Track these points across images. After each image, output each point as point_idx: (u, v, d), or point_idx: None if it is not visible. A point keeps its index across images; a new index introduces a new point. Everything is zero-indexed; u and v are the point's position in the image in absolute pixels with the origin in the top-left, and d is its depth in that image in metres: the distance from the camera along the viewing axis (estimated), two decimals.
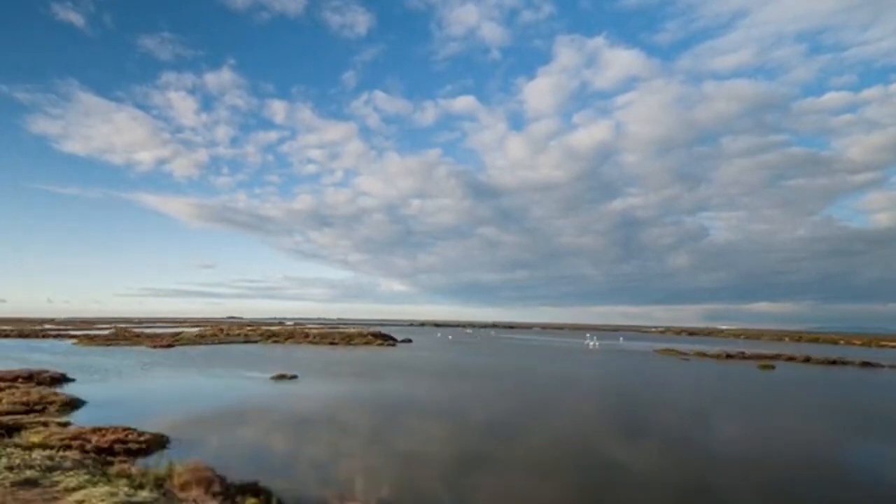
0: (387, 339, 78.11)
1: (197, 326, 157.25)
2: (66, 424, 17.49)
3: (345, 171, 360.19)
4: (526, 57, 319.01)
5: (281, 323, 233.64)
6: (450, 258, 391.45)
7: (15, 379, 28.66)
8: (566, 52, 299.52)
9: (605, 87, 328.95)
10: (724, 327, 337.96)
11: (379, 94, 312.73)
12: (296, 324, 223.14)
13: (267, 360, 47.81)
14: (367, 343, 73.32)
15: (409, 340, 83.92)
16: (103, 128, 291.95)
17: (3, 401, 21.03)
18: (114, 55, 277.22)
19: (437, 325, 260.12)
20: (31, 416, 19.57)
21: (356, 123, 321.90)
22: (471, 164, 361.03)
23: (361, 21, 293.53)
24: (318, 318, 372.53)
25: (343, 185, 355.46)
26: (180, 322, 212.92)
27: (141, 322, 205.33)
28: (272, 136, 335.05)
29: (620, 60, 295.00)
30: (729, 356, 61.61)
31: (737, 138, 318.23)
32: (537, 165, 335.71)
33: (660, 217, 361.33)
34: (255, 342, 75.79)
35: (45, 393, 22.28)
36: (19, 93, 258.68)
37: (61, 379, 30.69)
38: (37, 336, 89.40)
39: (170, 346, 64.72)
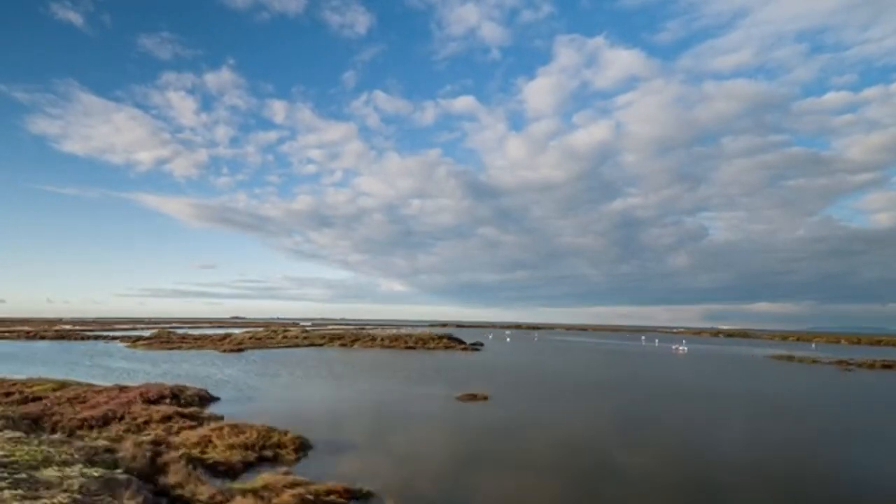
0: (459, 342, 72.17)
1: (220, 327, 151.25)
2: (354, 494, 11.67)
3: (344, 171, 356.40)
4: (526, 57, 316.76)
5: (295, 323, 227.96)
6: (449, 258, 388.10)
7: (159, 399, 22.83)
8: (566, 52, 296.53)
9: (605, 86, 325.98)
10: (725, 327, 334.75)
11: (379, 94, 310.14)
12: (314, 325, 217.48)
13: (391, 370, 41.94)
14: (446, 347, 67.37)
15: (481, 344, 78.07)
16: (103, 128, 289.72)
17: (218, 445, 15.15)
18: (113, 55, 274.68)
19: (447, 325, 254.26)
20: (277, 470, 13.80)
21: (356, 123, 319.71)
22: (471, 165, 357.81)
23: (361, 21, 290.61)
24: (324, 319, 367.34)
25: (343, 186, 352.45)
26: (194, 322, 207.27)
27: (158, 323, 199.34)
28: (272, 136, 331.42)
29: (620, 60, 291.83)
30: (849, 364, 55.99)
31: (737, 138, 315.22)
32: (537, 165, 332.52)
33: (660, 217, 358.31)
34: (320, 345, 69.93)
35: (264, 430, 16.35)
36: (18, 93, 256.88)
37: (207, 397, 24.83)
38: (74, 338, 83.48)
39: (239, 350, 58.80)
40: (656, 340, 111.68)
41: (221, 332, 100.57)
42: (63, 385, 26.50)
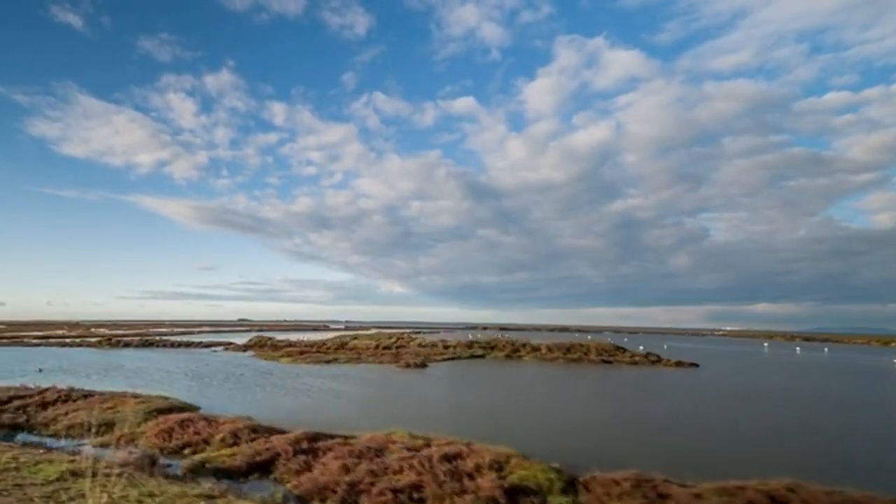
0: (646, 356, 59.89)
1: (261, 330, 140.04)
2: None
3: (344, 172, 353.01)
4: (526, 57, 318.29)
5: (328, 326, 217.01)
6: (449, 260, 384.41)
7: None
8: (566, 53, 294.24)
9: (605, 87, 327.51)
10: (727, 328, 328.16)
11: (378, 96, 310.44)
12: (346, 327, 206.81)
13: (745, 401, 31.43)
14: (634, 363, 56.33)
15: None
16: (102, 130, 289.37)
17: None
18: (113, 57, 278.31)
19: (487, 327, 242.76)
20: None
21: (356, 125, 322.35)
22: (470, 166, 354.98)
23: (361, 22, 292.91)
24: (330, 321, 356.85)
25: (343, 187, 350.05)
26: (216, 326, 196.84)
27: (188, 326, 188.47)
28: (272, 137, 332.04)
29: (620, 61, 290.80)
30: None
31: (737, 138, 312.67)
32: (537, 166, 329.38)
33: (660, 218, 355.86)
34: (481, 356, 59.26)
35: None
36: (18, 95, 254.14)
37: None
38: (160, 345, 72.64)
39: (422, 366, 48.13)
40: (764, 345, 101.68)
41: (303, 336, 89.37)
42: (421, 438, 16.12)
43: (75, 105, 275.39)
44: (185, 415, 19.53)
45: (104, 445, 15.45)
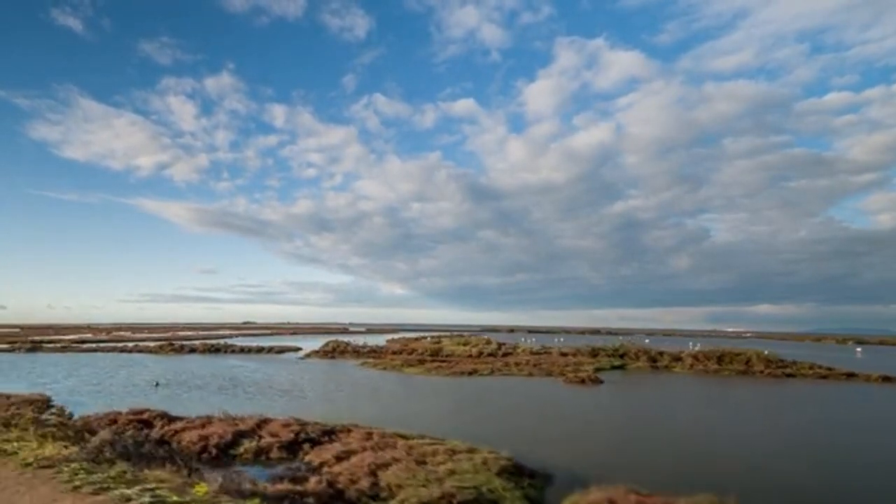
0: (853, 372, 49.68)
1: (278, 334, 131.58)
2: None
3: (344, 174, 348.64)
4: (526, 59, 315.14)
5: (347, 329, 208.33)
6: (450, 261, 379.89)
7: None
8: (566, 54, 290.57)
9: (605, 88, 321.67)
10: (729, 329, 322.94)
11: (379, 98, 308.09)
12: (369, 330, 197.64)
13: None
14: (822, 376, 46.94)
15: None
16: (103, 133, 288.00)
17: None
18: (113, 60, 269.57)
19: (513, 330, 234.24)
20: None
21: (356, 127, 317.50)
22: (471, 167, 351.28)
23: (361, 24, 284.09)
24: (333, 323, 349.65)
25: (343, 189, 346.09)
26: (242, 329, 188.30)
27: (210, 329, 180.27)
28: (272, 140, 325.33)
29: (621, 62, 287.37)
30: None
31: (738, 139, 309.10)
32: (537, 168, 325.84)
33: (660, 219, 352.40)
34: (620, 366, 50.62)
35: None
36: (19, 99, 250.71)
37: None
38: (223, 352, 64.11)
39: (596, 381, 39.61)
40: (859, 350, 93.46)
41: (359, 340, 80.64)
42: None
43: (76, 108, 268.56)
44: (610, 492, 10.96)
45: None
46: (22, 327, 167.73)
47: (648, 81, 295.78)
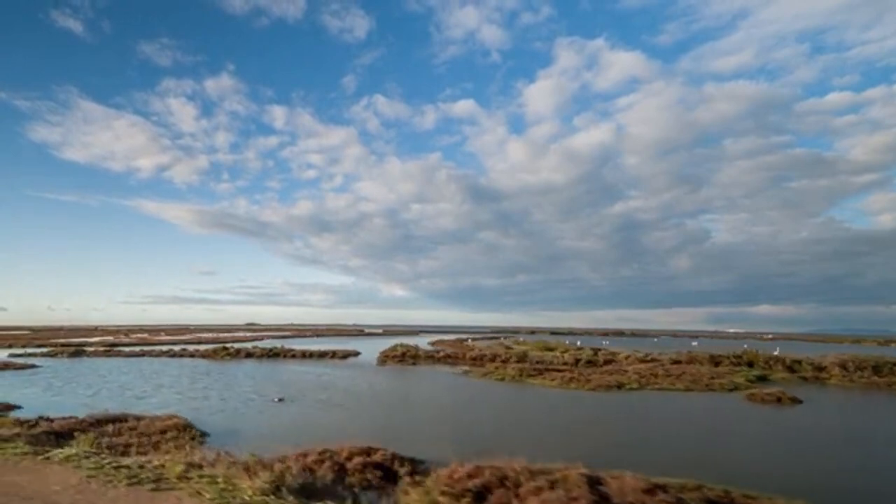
0: None
1: (310, 336, 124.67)
2: None
3: (345, 175, 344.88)
4: (526, 60, 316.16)
5: (363, 331, 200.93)
6: (450, 263, 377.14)
7: None
8: (566, 55, 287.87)
9: (605, 89, 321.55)
10: (731, 330, 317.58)
11: (379, 99, 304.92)
12: (384, 331, 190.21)
13: None
14: None
15: None
16: (103, 135, 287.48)
17: None
18: (113, 62, 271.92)
19: (535, 332, 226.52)
20: None
21: (356, 128, 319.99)
22: (471, 168, 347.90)
23: (361, 25, 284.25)
24: (336, 324, 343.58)
25: (343, 190, 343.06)
26: (255, 331, 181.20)
27: (226, 331, 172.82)
28: (272, 141, 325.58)
29: (621, 62, 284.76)
30: None
31: (738, 140, 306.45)
32: (538, 169, 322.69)
33: (661, 220, 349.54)
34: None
35: None
36: (19, 100, 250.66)
37: None
38: (281, 356, 56.90)
39: (777, 401, 32.43)
40: None
41: (410, 341, 73.44)
42: None
43: (76, 110, 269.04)
44: None
45: None
46: (31, 329, 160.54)
47: (649, 82, 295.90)
